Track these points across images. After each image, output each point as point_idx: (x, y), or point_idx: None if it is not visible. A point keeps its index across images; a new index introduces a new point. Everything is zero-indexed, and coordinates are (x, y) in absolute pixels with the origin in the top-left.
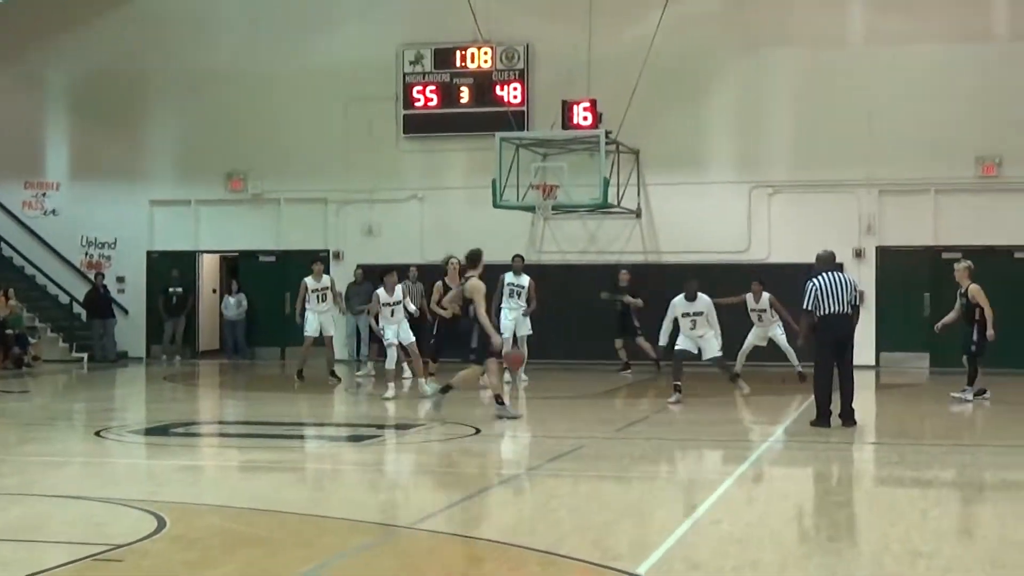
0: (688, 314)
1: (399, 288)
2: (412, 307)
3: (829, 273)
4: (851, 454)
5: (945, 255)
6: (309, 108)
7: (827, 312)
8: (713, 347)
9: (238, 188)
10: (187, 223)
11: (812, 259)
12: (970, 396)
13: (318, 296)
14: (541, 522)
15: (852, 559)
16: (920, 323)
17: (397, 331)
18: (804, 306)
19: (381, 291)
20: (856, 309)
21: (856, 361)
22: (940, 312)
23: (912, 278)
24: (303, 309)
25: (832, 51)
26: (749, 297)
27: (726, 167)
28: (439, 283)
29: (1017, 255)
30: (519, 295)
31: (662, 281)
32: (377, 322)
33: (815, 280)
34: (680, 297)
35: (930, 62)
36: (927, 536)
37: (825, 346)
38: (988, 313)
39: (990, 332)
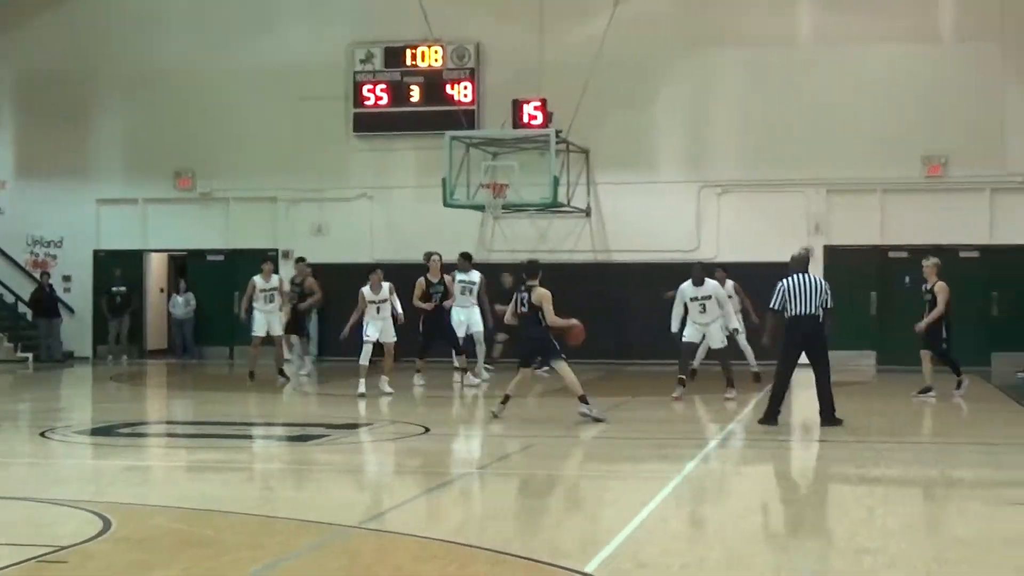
0: (696, 298)
1: (385, 286)
2: (399, 307)
3: (799, 275)
4: (799, 452)
5: (892, 254)
6: (259, 106)
7: (794, 313)
8: (717, 338)
9: (186, 187)
10: (135, 222)
11: (761, 258)
12: (964, 391)
13: (266, 296)
14: (490, 521)
15: (798, 556)
16: (867, 321)
17: (380, 328)
18: (771, 305)
19: (366, 289)
20: (828, 311)
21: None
22: (887, 310)
23: (859, 277)
24: (249, 308)
25: (781, 51)
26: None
27: (676, 166)
28: (421, 279)
29: (963, 254)
30: (470, 292)
31: (612, 280)
32: (362, 319)
33: (784, 281)
34: (688, 283)
35: (878, 63)
36: (873, 533)
37: (790, 347)
38: (939, 310)
39: (921, 325)
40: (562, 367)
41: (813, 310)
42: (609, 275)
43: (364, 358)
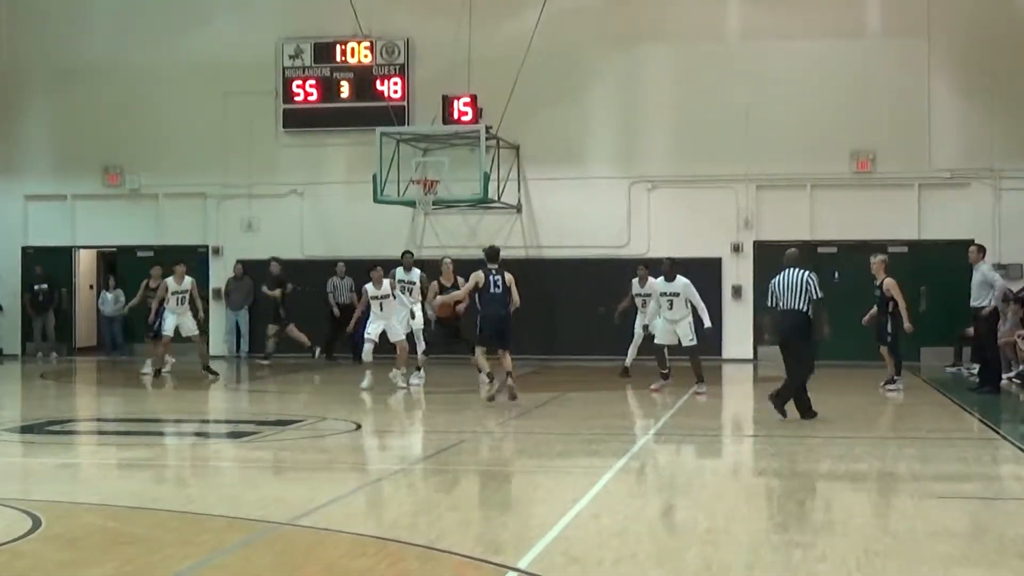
0: (665, 294)
1: (386, 282)
2: (408, 301)
3: (786, 271)
4: (732, 447)
5: (821, 249)
6: (188, 101)
7: (780, 308)
8: (686, 335)
9: (115, 182)
10: (63, 218)
11: (691, 253)
12: (900, 386)
13: (178, 299)
14: (421, 517)
15: (729, 550)
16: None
17: (382, 326)
18: (767, 303)
19: (369, 286)
20: (813, 305)
21: (734, 355)
22: None
23: None
24: (160, 309)
25: (709, 46)
26: (635, 283)
27: (606, 162)
28: (435, 283)
29: (892, 249)
30: (410, 291)
31: (543, 276)
32: (366, 317)
33: (774, 279)
34: (660, 279)
35: (806, 58)
36: (804, 527)
37: (777, 343)
38: (903, 306)
39: (907, 325)
40: (507, 356)
41: (796, 305)
42: (540, 271)
43: (367, 355)
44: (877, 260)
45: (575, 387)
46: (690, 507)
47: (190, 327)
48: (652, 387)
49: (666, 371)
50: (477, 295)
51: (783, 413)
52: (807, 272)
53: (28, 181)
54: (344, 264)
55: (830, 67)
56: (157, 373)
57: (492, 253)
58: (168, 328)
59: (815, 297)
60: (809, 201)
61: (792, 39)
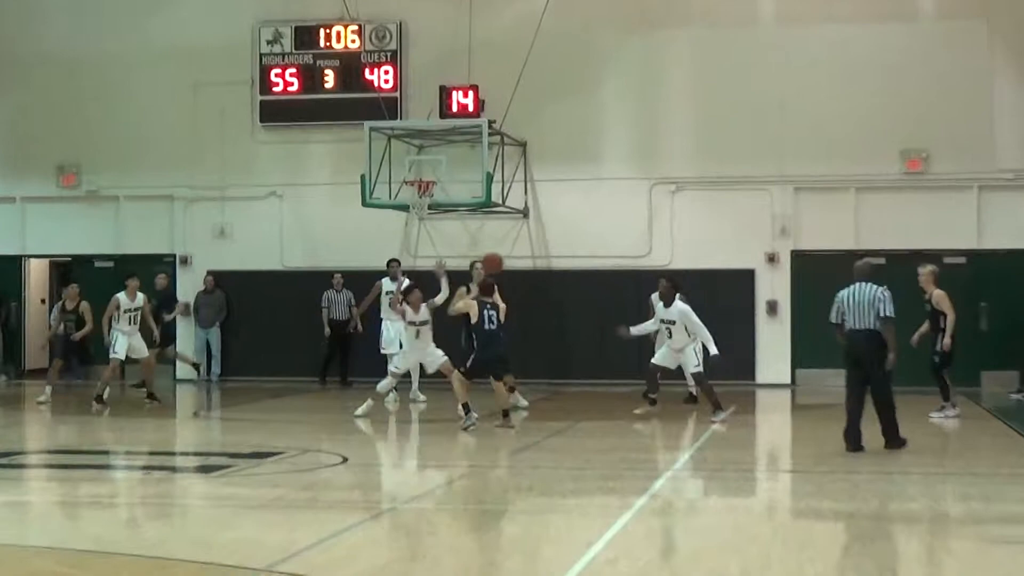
0: (664, 321)
1: (424, 308)
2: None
3: (858, 284)
4: (765, 484)
5: (867, 259)
6: (152, 94)
7: (848, 327)
8: (690, 362)
9: (71, 184)
10: (12, 224)
11: (720, 264)
12: (952, 413)
13: (130, 317)
14: (416, 562)
15: None
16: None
17: (417, 360)
18: (831, 319)
19: (407, 310)
20: (885, 322)
21: (770, 379)
22: None
23: (831, 286)
24: (110, 328)
25: (740, 31)
26: (656, 303)
27: (623, 161)
28: (463, 288)
29: (947, 260)
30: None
31: (553, 289)
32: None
33: (842, 292)
34: (660, 303)
35: (849, 43)
36: (847, 574)
37: (847, 364)
38: (951, 319)
39: (946, 341)
40: (500, 384)
41: (867, 323)
42: (549, 283)
43: (385, 387)
44: (926, 271)
45: (589, 415)
46: (719, 552)
47: (142, 349)
48: (636, 411)
49: (655, 396)
50: (472, 329)
51: (902, 442)
52: (880, 287)
53: None
54: (342, 276)
55: (876, 53)
56: (99, 399)
57: (487, 287)
58: (120, 351)
59: (884, 315)
60: (853, 205)
61: (833, 22)
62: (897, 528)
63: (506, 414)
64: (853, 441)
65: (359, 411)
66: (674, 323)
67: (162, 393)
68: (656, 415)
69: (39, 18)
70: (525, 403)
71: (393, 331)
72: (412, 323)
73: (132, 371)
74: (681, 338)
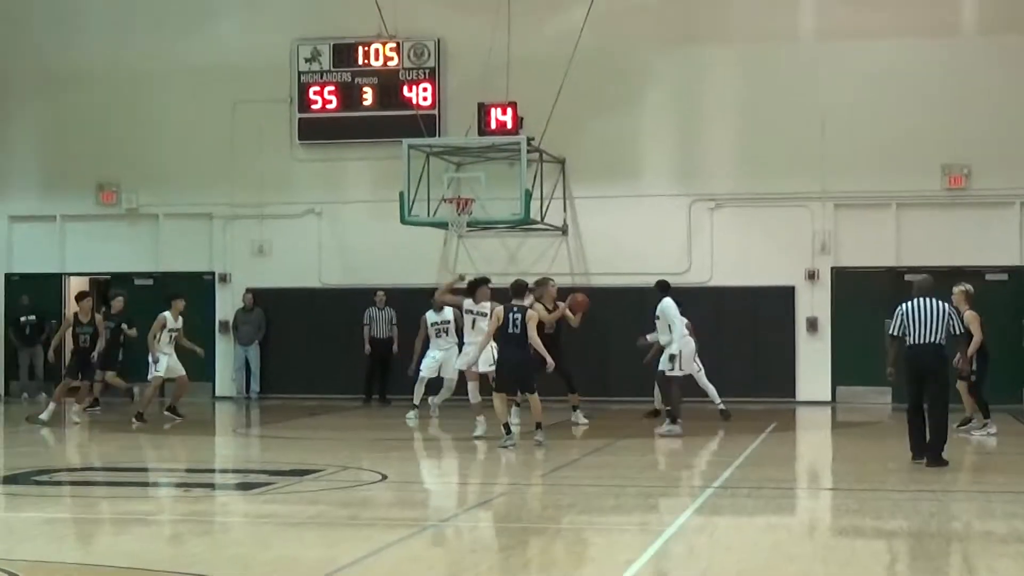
0: (658, 317)
1: (448, 311)
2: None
3: (921, 299)
4: (805, 502)
5: (909, 277)
6: (191, 111)
7: (912, 342)
8: (664, 361)
9: (110, 202)
10: (52, 242)
11: (760, 281)
12: (993, 429)
13: (171, 336)
14: None
15: None
16: (881, 354)
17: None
18: (890, 332)
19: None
20: (956, 339)
21: (810, 396)
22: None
23: (872, 303)
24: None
25: (781, 47)
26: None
27: (663, 178)
28: (539, 305)
29: (989, 277)
30: (446, 332)
31: (592, 306)
32: (425, 347)
33: (903, 305)
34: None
35: (890, 59)
36: None
37: (909, 380)
38: (976, 340)
39: (965, 360)
40: (535, 398)
41: (934, 338)
42: (589, 301)
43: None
44: (959, 291)
45: (630, 432)
46: (759, 571)
47: (179, 368)
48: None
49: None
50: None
51: (944, 462)
52: (947, 303)
53: (12, 201)
54: (384, 294)
55: (918, 69)
56: (140, 417)
57: (517, 288)
58: (163, 370)
59: (957, 332)
60: (894, 222)
61: (874, 37)
62: (939, 546)
63: (525, 427)
64: (919, 451)
65: (478, 431)
66: (659, 318)
67: (200, 410)
68: (695, 432)
69: (79, 37)
70: (586, 421)
71: (439, 356)
72: (470, 312)
73: (172, 388)
74: (665, 334)
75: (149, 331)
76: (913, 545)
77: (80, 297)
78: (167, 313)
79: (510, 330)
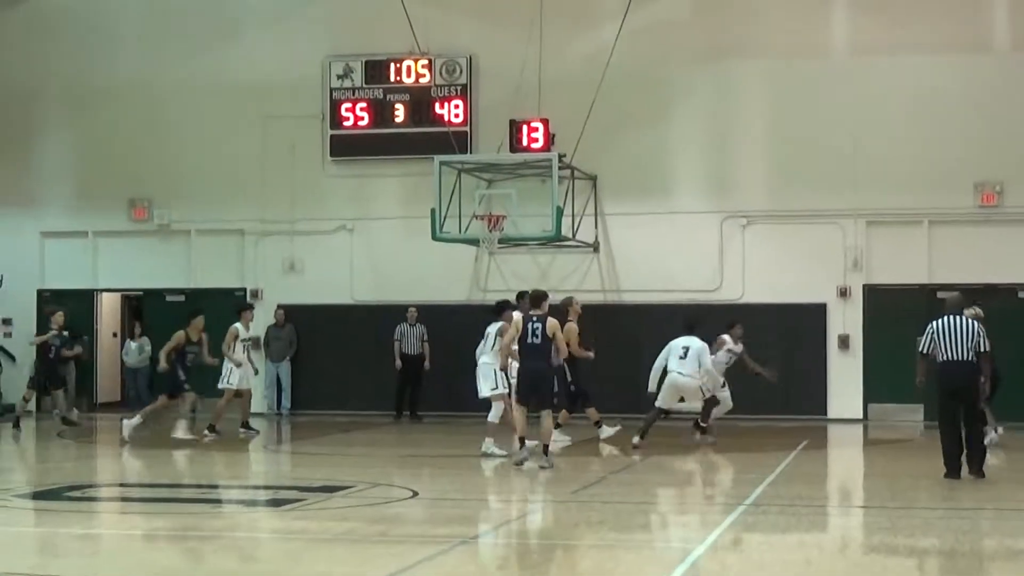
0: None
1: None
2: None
3: (951, 316)
4: (837, 519)
5: (941, 294)
6: (223, 128)
7: (944, 359)
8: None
9: (142, 218)
10: (84, 257)
11: (791, 299)
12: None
13: (245, 346)
14: None
15: None
16: (913, 371)
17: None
18: (920, 349)
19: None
20: (983, 355)
21: (842, 414)
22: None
23: (904, 320)
24: (225, 358)
25: (812, 64)
26: (728, 341)
27: (695, 195)
28: (573, 324)
29: (1022, 294)
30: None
31: (623, 323)
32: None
33: (934, 323)
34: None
35: (922, 75)
36: None
37: (943, 397)
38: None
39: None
40: (548, 418)
41: (965, 356)
42: (620, 317)
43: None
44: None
45: (661, 450)
46: None
47: (249, 379)
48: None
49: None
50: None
51: (983, 474)
52: (975, 320)
53: (45, 216)
54: (416, 310)
55: (950, 85)
56: (213, 429)
57: (536, 297)
58: (236, 381)
59: (984, 350)
60: (927, 239)
61: (906, 54)
62: (971, 565)
63: (522, 442)
64: (955, 469)
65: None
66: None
67: (232, 426)
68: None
69: (111, 53)
70: (610, 431)
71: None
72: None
73: (203, 405)
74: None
75: (223, 342)
76: (945, 564)
77: (193, 315)
78: (239, 324)
79: (529, 340)
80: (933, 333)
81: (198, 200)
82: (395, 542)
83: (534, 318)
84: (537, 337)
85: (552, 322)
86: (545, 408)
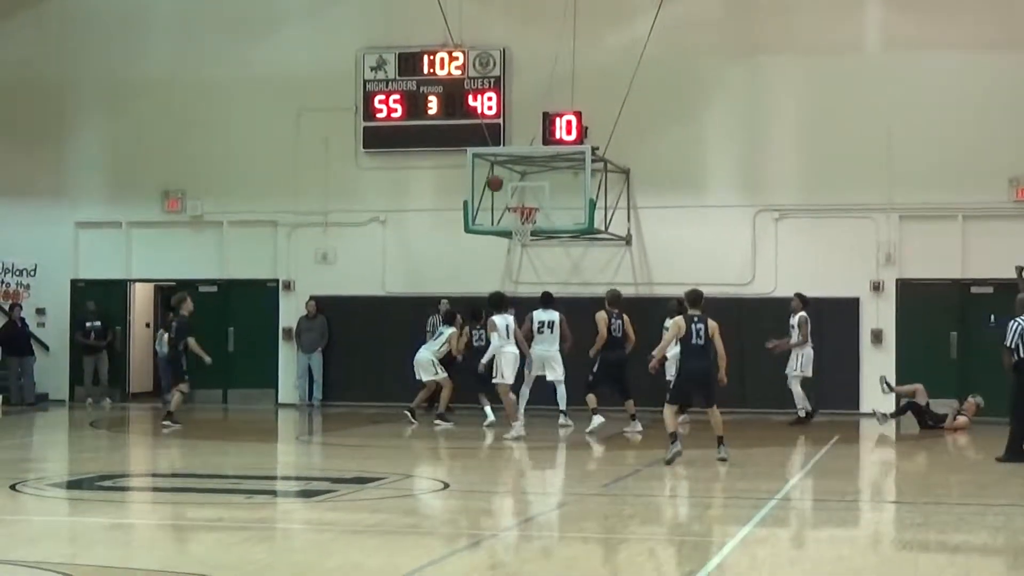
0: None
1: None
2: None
3: None
4: (869, 514)
5: (975, 289)
6: (256, 120)
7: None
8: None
9: (175, 209)
10: (118, 248)
11: (824, 293)
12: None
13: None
14: None
15: None
16: (946, 366)
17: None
18: (1006, 343)
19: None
20: None
21: (874, 408)
22: (968, 354)
23: (937, 315)
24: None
25: (846, 58)
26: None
27: (727, 188)
28: (603, 314)
29: None
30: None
31: (655, 316)
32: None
33: (1019, 319)
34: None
35: (957, 70)
36: None
37: (1019, 388)
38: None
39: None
40: (717, 412)
41: None
42: (652, 310)
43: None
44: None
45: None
46: None
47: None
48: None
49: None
50: (679, 345)
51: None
52: None
53: (79, 207)
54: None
55: (985, 80)
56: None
57: (694, 297)
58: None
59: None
60: (960, 234)
61: (941, 49)
62: (1004, 562)
63: (675, 439)
64: (1018, 453)
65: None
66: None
67: (263, 417)
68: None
69: (144, 45)
70: (639, 427)
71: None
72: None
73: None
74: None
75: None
76: (978, 560)
77: (180, 301)
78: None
79: (694, 341)
80: (1020, 329)
81: (231, 192)
82: (426, 534)
83: (695, 319)
84: (701, 338)
85: (712, 324)
86: (709, 406)
